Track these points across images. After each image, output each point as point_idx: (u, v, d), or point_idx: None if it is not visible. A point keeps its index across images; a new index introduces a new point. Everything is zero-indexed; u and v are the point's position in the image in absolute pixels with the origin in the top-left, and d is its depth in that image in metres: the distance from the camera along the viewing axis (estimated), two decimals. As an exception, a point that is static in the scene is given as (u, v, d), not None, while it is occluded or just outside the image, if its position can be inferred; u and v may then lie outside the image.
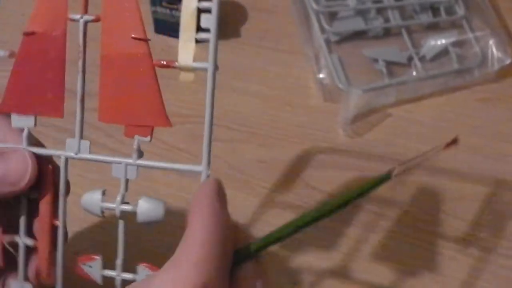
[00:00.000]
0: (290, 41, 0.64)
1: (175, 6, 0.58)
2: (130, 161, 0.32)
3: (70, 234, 0.36)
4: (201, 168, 0.31)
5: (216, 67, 0.30)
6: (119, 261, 0.33)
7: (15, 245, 0.35)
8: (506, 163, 0.55)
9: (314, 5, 0.62)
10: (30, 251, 0.35)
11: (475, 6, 0.65)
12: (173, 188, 0.52)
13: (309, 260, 0.49)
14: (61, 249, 0.34)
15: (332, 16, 0.64)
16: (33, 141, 0.34)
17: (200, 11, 0.31)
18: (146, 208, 0.31)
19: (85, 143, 0.33)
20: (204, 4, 0.31)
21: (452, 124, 0.58)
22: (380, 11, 0.64)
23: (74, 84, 0.33)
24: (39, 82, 0.33)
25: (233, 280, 0.27)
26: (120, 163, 0.32)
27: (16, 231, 0.35)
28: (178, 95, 0.54)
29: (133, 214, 0.32)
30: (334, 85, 0.59)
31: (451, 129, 0.57)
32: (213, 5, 0.31)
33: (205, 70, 0.31)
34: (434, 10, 0.66)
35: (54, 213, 0.34)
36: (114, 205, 0.32)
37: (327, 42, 0.62)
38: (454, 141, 0.27)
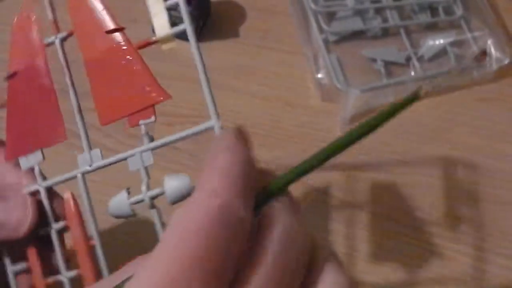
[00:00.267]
0: (289, 41, 0.64)
1: (174, 7, 0.58)
2: (143, 148, 0.31)
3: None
4: (212, 122, 0.30)
5: (193, 25, 0.30)
6: None
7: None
8: (505, 162, 0.55)
9: (313, 5, 0.62)
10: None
11: (473, 6, 0.65)
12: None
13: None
14: (104, 264, 0.33)
15: (331, 16, 0.64)
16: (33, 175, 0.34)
17: None
18: (173, 185, 0.30)
19: (96, 152, 0.33)
20: None
21: (450, 124, 0.58)
22: (378, 11, 0.65)
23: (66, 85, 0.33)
24: (35, 115, 0.33)
25: (261, 220, 0.24)
26: (134, 154, 0.31)
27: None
28: (178, 96, 0.54)
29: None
30: (333, 85, 0.59)
31: (450, 129, 0.57)
32: None
33: (184, 32, 0.31)
34: (433, 10, 0.66)
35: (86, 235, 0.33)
36: (142, 196, 0.31)
37: (326, 42, 0.62)
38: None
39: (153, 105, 0.31)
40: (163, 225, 0.31)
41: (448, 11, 0.66)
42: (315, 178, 0.54)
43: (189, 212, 0.21)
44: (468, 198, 0.53)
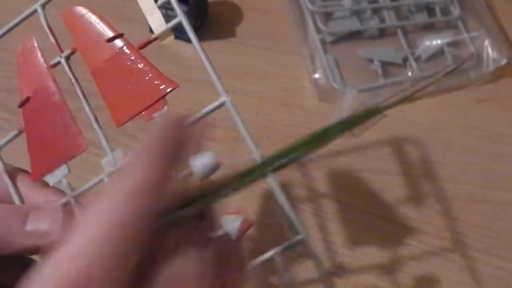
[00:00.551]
0: (286, 41, 0.64)
1: (170, 6, 0.58)
2: None
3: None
4: (223, 98, 0.32)
5: (184, 16, 0.32)
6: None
7: None
8: (501, 163, 0.55)
9: (310, 6, 0.62)
10: None
11: (470, 6, 0.65)
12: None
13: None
14: None
15: (328, 16, 0.64)
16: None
17: None
18: (199, 163, 0.32)
19: (117, 153, 0.34)
20: None
21: (447, 125, 0.58)
22: (375, 11, 0.65)
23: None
24: (54, 133, 0.35)
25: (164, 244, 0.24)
26: None
27: None
28: (177, 96, 0.54)
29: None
30: (330, 85, 0.59)
31: (447, 129, 0.58)
32: None
33: (179, 24, 0.33)
34: (430, 10, 0.66)
35: None
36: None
37: (323, 42, 0.62)
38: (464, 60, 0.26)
39: (163, 97, 0.32)
40: None
41: (445, 11, 0.66)
42: (311, 178, 0.54)
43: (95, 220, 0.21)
44: (464, 199, 0.53)
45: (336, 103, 0.58)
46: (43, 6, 0.35)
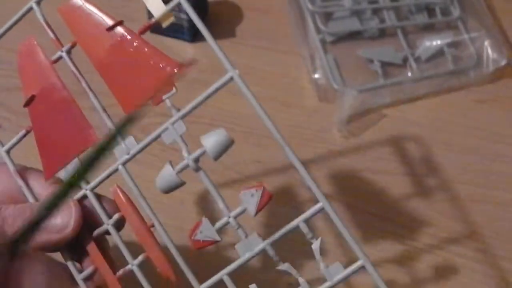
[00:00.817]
0: (286, 41, 0.64)
1: None
2: (174, 118, 0.32)
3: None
4: (230, 74, 0.31)
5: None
6: (221, 205, 0.32)
7: None
8: (501, 163, 0.55)
9: (310, 6, 0.62)
10: None
11: (470, 7, 0.65)
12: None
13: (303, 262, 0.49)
14: (169, 241, 0.33)
15: (328, 17, 0.64)
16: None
17: None
18: (212, 141, 0.31)
19: (130, 139, 0.33)
20: None
21: (447, 125, 0.58)
22: (375, 11, 0.65)
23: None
24: (62, 128, 0.34)
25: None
26: (166, 128, 0.32)
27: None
28: (177, 96, 0.54)
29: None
30: (330, 85, 0.59)
31: (447, 130, 0.58)
32: None
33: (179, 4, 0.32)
34: (430, 11, 0.66)
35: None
36: (185, 162, 0.32)
37: (323, 42, 0.62)
38: None
39: (171, 79, 0.32)
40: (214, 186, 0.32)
41: (445, 12, 0.66)
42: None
43: None
44: (464, 199, 0.53)
45: (336, 103, 0.58)
46: (38, 2, 0.35)
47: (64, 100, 0.34)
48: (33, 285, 0.30)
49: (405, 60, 0.62)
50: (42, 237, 0.33)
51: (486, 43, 0.63)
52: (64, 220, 0.33)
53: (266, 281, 0.33)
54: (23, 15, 0.36)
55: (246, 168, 0.54)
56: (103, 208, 0.34)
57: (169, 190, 0.32)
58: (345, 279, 0.31)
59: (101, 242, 0.35)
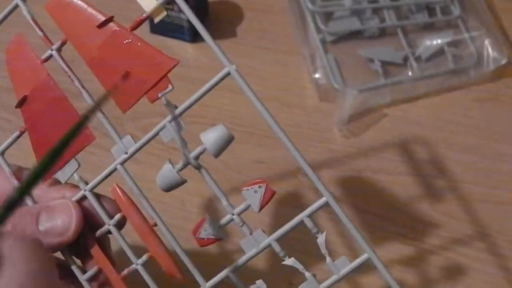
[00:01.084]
0: (286, 41, 0.64)
1: (170, 6, 0.58)
2: (172, 116, 0.32)
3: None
4: (226, 69, 0.30)
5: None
6: (224, 202, 0.32)
7: None
8: (502, 162, 0.55)
9: (310, 5, 0.62)
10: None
11: (470, 6, 0.65)
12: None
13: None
14: (172, 239, 0.33)
15: (328, 16, 0.64)
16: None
17: None
18: (211, 137, 0.31)
19: (127, 138, 0.33)
20: None
21: (448, 124, 0.58)
22: (375, 11, 0.65)
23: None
24: (57, 128, 0.34)
25: None
26: (164, 126, 0.32)
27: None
28: (177, 96, 0.54)
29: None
30: (330, 85, 0.59)
31: (447, 129, 0.58)
32: None
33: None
34: (430, 10, 0.66)
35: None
36: (185, 160, 0.31)
37: (323, 42, 0.62)
38: None
39: (166, 75, 0.31)
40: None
41: (445, 11, 0.66)
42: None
43: None
44: (465, 198, 0.53)
45: (337, 102, 0.58)
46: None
47: (57, 99, 0.34)
48: (13, 274, 0.28)
49: (406, 59, 0.62)
50: (45, 241, 0.32)
51: (487, 42, 0.63)
52: (65, 223, 0.33)
53: (266, 281, 0.33)
54: (9, 13, 0.34)
55: (247, 168, 0.54)
56: (104, 208, 0.34)
57: (170, 188, 0.32)
58: (352, 272, 0.31)
59: (103, 242, 0.35)
